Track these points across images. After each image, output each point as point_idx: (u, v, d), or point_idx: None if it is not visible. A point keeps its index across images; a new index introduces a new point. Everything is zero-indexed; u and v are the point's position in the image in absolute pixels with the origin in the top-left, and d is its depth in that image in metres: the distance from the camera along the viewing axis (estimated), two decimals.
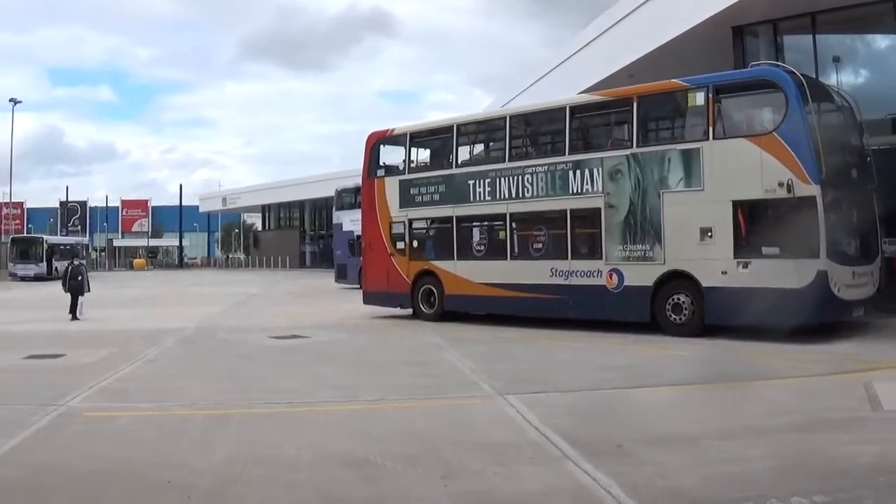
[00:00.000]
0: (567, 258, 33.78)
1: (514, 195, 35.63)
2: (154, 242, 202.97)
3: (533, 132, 37.66)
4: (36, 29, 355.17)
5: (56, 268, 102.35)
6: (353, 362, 26.15)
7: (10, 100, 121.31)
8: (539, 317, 34.60)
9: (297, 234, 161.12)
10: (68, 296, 44.05)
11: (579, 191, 33.44)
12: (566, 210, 33.81)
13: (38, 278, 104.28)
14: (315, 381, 22.46)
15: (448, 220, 38.24)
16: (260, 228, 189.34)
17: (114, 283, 74.96)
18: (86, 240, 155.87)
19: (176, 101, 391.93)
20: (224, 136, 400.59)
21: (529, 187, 35.09)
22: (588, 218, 33.25)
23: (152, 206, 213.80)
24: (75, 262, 46.30)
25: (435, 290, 38.90)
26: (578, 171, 33.48)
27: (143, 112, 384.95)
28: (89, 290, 44.88)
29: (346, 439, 15.99)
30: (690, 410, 18.22)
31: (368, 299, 42.41)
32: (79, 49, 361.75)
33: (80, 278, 43.88)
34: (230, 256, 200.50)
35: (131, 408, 19.31)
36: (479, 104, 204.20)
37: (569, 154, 34.00)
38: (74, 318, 42.42)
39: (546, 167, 34.74)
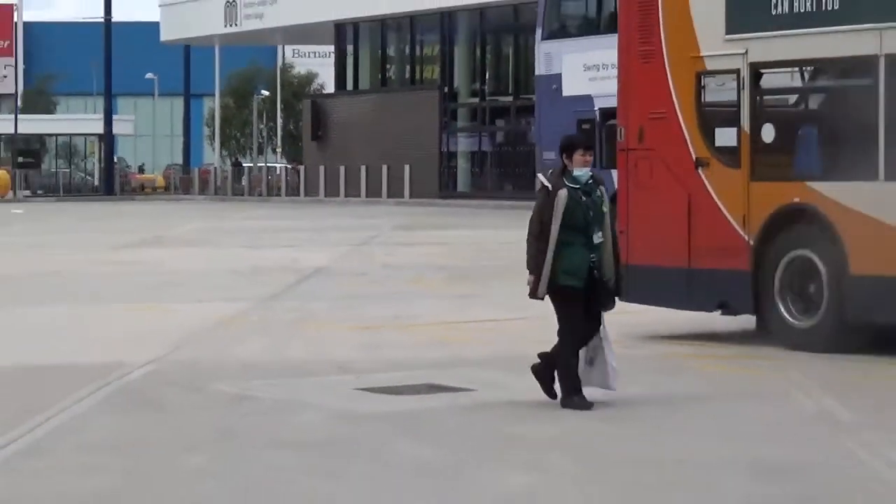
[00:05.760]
0: None
1: None
2: (31, 124, 65.05)
3: None
4: None
5: None
6: (602, 471, 6.62)
7: None
8: None
9: (436, 102, 48.00)
10: None
11: None
12: None
13: None
14: None
15: (863, 64, 10.26)
16: (332, 88, 59.56)
17: None
18: None
19: None
20: None
21: None
22: None
23: (24, 24, 76.62)
24: (578, 174, 8.39)
25: (822, 267, 10.07)
26: None
27: None
28: None
29: None
30: None
31: (637, 289, 10.33)
32: None
33: None
34: (246, 167, 63.10)
35: None
36: None
37: None
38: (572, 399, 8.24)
39: None
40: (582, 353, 8.01)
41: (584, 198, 7.77)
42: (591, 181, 7.95)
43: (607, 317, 8.33)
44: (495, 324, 12.70)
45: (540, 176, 8.11)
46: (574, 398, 7.83)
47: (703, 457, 7.01)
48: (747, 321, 10.50)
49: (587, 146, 8.24)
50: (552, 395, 8.06)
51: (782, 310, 10.26)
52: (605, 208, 8.02)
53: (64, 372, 9.76)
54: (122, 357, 10.42)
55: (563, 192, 7.73)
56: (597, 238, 7.83)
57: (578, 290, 7.83)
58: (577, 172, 7.87)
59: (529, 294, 8.12)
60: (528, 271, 8.06)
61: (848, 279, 9.86)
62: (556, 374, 8.04)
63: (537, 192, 8.17)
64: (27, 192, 56.91)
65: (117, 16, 60.94)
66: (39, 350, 11.14)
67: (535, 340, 10.77)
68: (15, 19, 73.49)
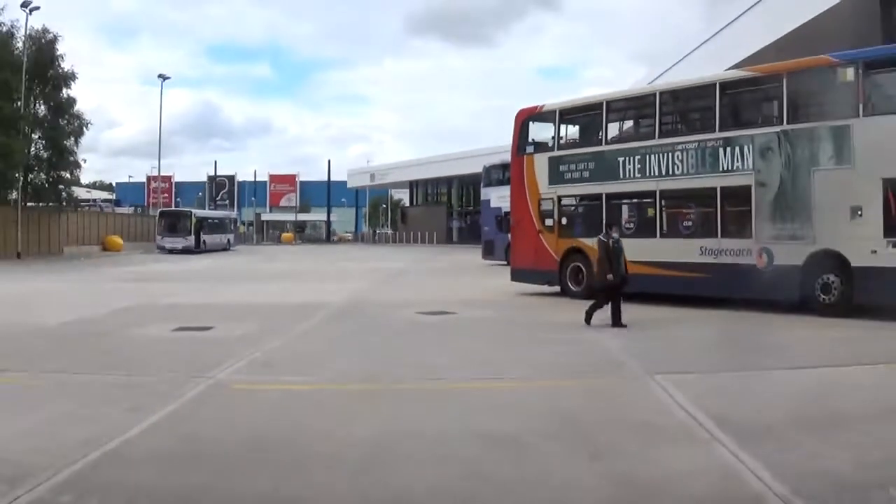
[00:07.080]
0: (717, 236, 8.85)
1: (663, 172, 9.42)
2: (301, 217, 60.05)
3: (682, 108, 9.91)
4: (198, 5, 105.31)
5: (204, 241, 30.14)
6: (500, 339, 7.09)
7: (160, 76, 38.62)
8: (686, 295, 9.02)
9: (445, 210, 45.73)
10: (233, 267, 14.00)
11: (729, 168, 8.78)
12: (716, 188, 8.85)
13: (185, 251, 28.15)
14: (462, 357, 6.11)
15: (597, 197, 10.16)
16: (408, 204, 52.71)
17: (263, 256, 26.30)
18: (234, 214, 44.27)
19: (334, 77, 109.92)
20: (380, 112, 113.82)
21: (679, 164, 9.30)
22: (738, 196, 8.65)
23: (300, 181, 64.20)
24: (613, 236, 7.44)
25: (583, 268, 10.22)
26: (728, 148, 8.79)
27: (300, 88, 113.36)
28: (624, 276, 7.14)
29: (492, 417, 4.10)
30: (841, 392, 4.58)
31: (516, 276, 11.45)
32: (238, 25, 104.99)
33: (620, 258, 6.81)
34: (377, 231, 56.56)
35: (280, 381, 5.16)
36: (634, 79, 31.79)
37: (719, 131, 8.91)
38: (619, 324, 7.22)
39: (696, 144, 9.18)
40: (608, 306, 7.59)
41: (615, 245, 7.48)
42: (618, 238, 7.61)
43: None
44: (466, 289, 12.79)
45: (600, 237, 7.65)
46: (618, 323, 7.41)
47: (540, 332, 7.47)
48: (555, 289, 10.83)
49: (616, 226, 7.95)
50: (588, 321, 7.61)
51: (569, 284, 10.56)
52: (622, 248, 7.59)
53: (307, 307, 9.90)
54: (329, 300, 10.60)
55: (609, 242, 7.49)
56: (621, 260, 7.53)
57: (618, 281, 7.54)
58: (613, 234, 7.57)
59: (609, 283, 7.57)
60: (605, 274, 7.59)
61: (592, 273, 9.77)
62: (592, 315, 7.63)
63: (599, 244, 7.63)
64: (299, 241, 56.91)
65: (333, 178, 59.61)
66: (299, 297, 11.25)
67: (476, 296, 11.37)
68: (297, 179, 71.16)
